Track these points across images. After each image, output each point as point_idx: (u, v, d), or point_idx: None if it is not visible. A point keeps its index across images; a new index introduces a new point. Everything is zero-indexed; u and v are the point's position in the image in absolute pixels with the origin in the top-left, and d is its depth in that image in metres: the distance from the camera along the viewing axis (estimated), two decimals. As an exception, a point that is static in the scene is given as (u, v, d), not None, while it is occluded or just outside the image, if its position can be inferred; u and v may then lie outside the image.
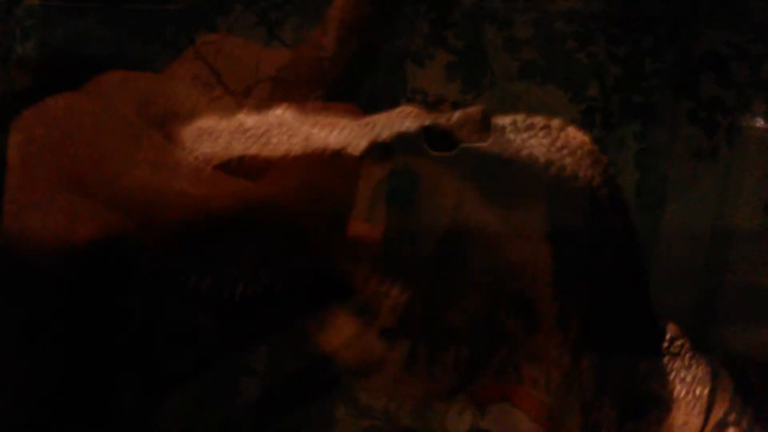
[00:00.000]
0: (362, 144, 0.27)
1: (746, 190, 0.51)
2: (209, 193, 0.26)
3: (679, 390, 0.33)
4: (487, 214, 0.28)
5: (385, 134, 0.27)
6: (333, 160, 0.26)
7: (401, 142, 0.27)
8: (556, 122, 0.30)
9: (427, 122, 0.27)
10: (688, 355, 0.34)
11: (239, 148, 0.27)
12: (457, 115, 0.28)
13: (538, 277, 0.28)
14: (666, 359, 0.34)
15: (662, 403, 0.33)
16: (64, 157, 0.26)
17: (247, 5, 0.50)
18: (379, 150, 0.27)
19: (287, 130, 0.27)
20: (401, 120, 0.27)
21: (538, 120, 0.30)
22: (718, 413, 0.32)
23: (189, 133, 0.27)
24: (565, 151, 0.30)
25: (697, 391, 0.33)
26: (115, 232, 0.25)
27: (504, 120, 0.30)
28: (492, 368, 0.29)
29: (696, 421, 0.32)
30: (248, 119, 0.28)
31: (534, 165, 0.29)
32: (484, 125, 0.29)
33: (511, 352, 0.29)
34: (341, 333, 0.28)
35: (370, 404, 0.52)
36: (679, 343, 0.34)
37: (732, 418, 0.32)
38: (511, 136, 0.29)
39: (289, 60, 0.36)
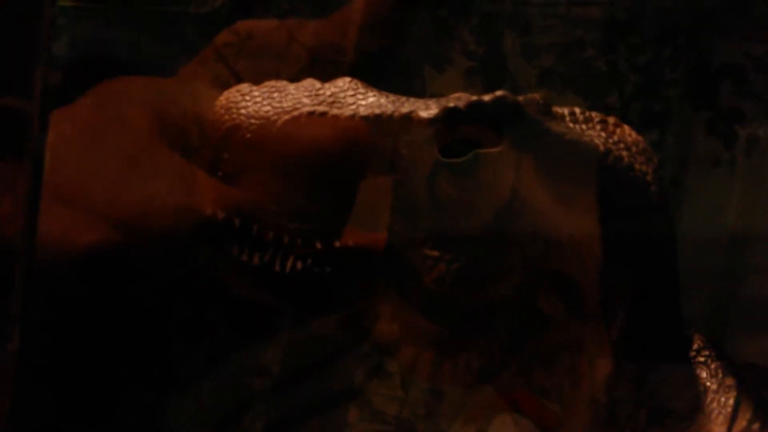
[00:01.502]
0: (433, 109, 0.28)
1: (764, 200, 0.52)
2: (203, 201, 0.27)
3: (704, 399, 0.34)
4: (542, 192, 0.28)
5: (458, 102, 0.28)
6: (402, 122, 0.27)
7: (474, 109, 0.28)
8: (612, 119, 0.31)
9: (499, 93, 0.28)
10: (714, 365, 0.35)
11: (309, 104, 0.27)
12: (521, 96, 0.29)
13: (585, 260, 0.29)
14: (693, 368, 0.35)
15: (688, 413, 0.34)
16: (61, 168, 0.27)
17: (267, 8, 0.51)
18: (452, 114, 0.27)
19: (355, 94, 0.28)
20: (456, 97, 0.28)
21: (596, 114, 0.32)
22: (741, 423, 0.33)
23: (260, 90, 0.28)
24: (621, 145, 0.31)
25: (722, 400, 0.34)
26: (110, 243, 0.26)
27: (563, 110, 0.31)
28: (528, 358, 0.30)
29: (720, 429, 0.33)
30: (318, 83, 0.29)
31: (593, 151, 0.30)
32: (546, 109, 0.30)
33: (549, 339, 0.30)
34: (382, 307, 0.28)
35: (383, 410, 0.53)
36: (706, 353, 0.35)
37: (756, 427, 0.33)
38: (571, 124, 0.30)
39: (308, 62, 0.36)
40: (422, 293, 0.29)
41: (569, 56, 0.55)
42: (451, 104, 0.28)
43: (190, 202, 0.27)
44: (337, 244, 0.28)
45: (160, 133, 0.28)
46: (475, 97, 0.28)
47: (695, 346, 0.36)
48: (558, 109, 0.32)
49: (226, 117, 0.29)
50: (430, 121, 0.28)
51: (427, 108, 0.28)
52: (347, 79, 0.30)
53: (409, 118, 0.28)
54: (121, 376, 0.29)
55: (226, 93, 0.30)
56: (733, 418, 0.33)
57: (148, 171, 0.27)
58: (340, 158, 0.28)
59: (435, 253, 0.28)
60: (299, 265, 0.28)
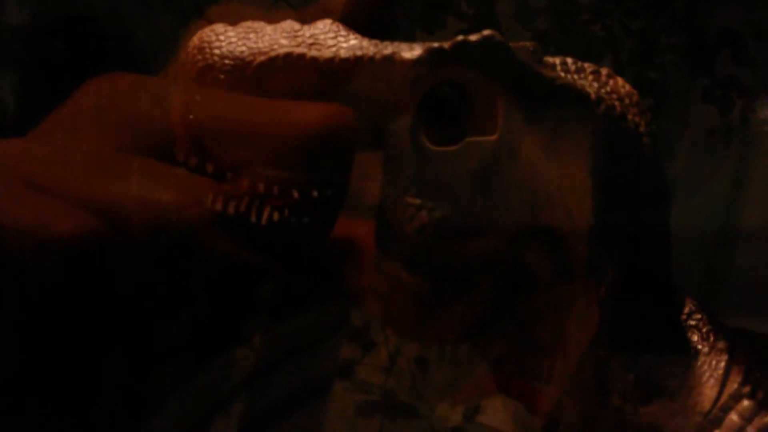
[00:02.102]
0: (416, 50, 0.27)
1: (758, 168, 0.52)
2: (183, 200, 0.26)
3: (695, 362, 0.33)
4: (531, 139, 0.27)
5: (443, 43, 0.27)
6: (383, 64, 0.26)
7: (459, 49, 0.26)
8: (605, 69, 0.30)
9: (486, 32, 0.26)
10: (705, 329, 0.34)
11: (287, 45, 0.26)
12: (511, 43, 0.28)
13: (574, 214, 0.28)
14: (683, 331, 0.34)
15: (678, 375, 0.33)
16: (39, 156, 0.25)
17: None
18: (436, 54, 0.26)
19: (335, 36, 0.27)
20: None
21: (588, 65, 0.30)
22: (732, 385, 0.32)
23: (235, 30, 0.27)
24: (614, 95, 0.30)
25: (713, 363, 0.33)
26: (90, 230, 0.25)
27: (554, 59, 0.30)
28: (512, 318, 0.29)
29: (710, 392, 0.32)
30: (297, 24, 0.27)
31: (585, 98, 0.29)
32: (537, 57, 0.28)
33: (535, 299, 0.29)
34: (360, 257, 0.27)
35: (368, 380, 0.52)
36: (697, 316, 0.34)
37: (746, 390, 0.32)
38: (562, 73, 0.29)
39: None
40: (404, 244, 0.28)
41: (564, 20, 0.54)
42: (436, 45, 0.27)
43: (167, 195, 0.26)
44: (315, 193, 0.27)
45: (138, 135, 0.27)
46: (461, 37, 0.27)
47: (686, 310, 0.35)
48: (549, 59, 0.31)
49: (199, 57, 0.28)
50: (414, 63, 0.27)
51: (411, 50, 0.27)
52: (328, 21, 0.29)
53: (391, 60, 0.27)
54: (101, 365, 0.28)
55: (199, 33, 0.29)
56: (723, 381, 0.32)
57: (123, 166, 0.26)
58: (318, 101, 0.27)
59: (417, 201, 0.27)
60: (276, 215, 0.27)
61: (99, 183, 0.25)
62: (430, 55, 0.27)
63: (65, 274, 0.25)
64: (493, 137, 0.27)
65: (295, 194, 0.27)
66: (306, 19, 0.37)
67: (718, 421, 0.31)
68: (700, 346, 0.33)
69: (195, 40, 0.28)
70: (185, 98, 0.26)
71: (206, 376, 0.37)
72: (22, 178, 0.25)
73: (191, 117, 0.26)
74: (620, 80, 0.32)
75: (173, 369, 0.33)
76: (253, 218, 0.27)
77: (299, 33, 0.27)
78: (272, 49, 0.27)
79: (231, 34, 0.28)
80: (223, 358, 0.37)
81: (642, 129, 0.30)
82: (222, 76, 0.27)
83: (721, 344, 0.33)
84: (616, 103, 0.30)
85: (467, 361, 0.40)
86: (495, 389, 0.35)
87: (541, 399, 0.33)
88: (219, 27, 0.28)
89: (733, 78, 0.53)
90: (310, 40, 0.27)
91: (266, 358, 0.43)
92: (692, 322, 0.34)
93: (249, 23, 0.28)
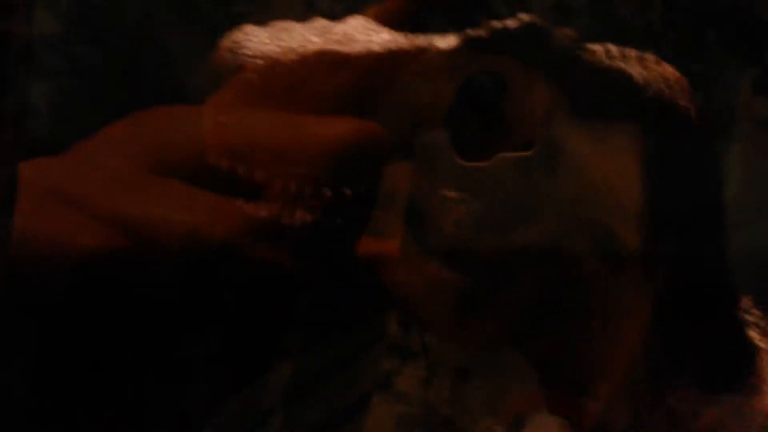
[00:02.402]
0: (451, 40, 0.26)
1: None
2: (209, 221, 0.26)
3: (754, 359, 0.32)
4: (575, 129, 0.26)
5: (479, 30, 0.26)
6: (416, 56, 0.25)
7: (498, 37, 0.25)
8: (651, 56, 0.29)
9: (526, 18, 0.26)
10: (764, 323, 0.32)
11: (318, 42, 0.26)
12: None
13: (623, 204, 0.27)
14: (742, 327, 0.33)
15: (737, 373, 0.31)
16: (65, 175, 0.26)
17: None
18: (473, 43, 0.25)
19: (367, 31, 0.27)
20: None
21: (632, 51, 0.29)
22: None
23: (266, 30, 0.27)
24: (662, 81, 0.28)
25: None
26: (113, 245, 0.25)
27: (596, 46, 0.29)
28: (560, 319, 0.28)
29: None
30: (328, 21, 0.27)
31: (631, 83, 0.28)
32: (579, 44, 0.27)
33: (583, 298, 0.28)
34: (399, 257, 0.26)
35: (406, 390, 0.51)
36: (756, 312, 0.33)
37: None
38: (607, 61, 0.28)
39: None
40: (443, 240, 0.27)
41: (603, 15, 0.53)
42: (471, 33, 0.26)
43: (194, 214, 0.26)
44: (348, 192, 0.26)
45: (168, 159, 0.27)
46: (498, 23, 0.26)
47: (744, 306, 0.34)
48: (592, 46, 0.30)
49: (230, 57, 0.28)
50: (450, 53, 0.26)
51: (446, 40, 0.26)
52: (360, 17, 0.29)
53: (426, 51, 0.26)
54: (127, 380, 0.28)
55: (230, 34, 0.29)
56: (788, 379, 0.31)
57: (152, 187, 0.26)
58: (351, 98, 0.26)
59: (454, 195, 0.26)
60: (308, 216, 0.26)
61: (127, 201, 0.25)
62: (466, 44, 0.26)
63: (86, 287, 0.25)
64: (528, 153, 0.26)
65: (328, 193, 0.26)
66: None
67: (784, 423, 0.30)
68: (760, 343, 0.32)
69: (226, 41, 0.28)
70: (222, 118, 0.26)
71: (244, 394, 0.36)
72: (54, 193, 0.25)
73: (227, 135, 0.26)
74: (667, 66, 0.31)
75: (209, 387, 0.32)
76: (286, 220, 0.26)
77: (330, 30, 0.27)
78: (303, 47, 0.27)
79: (262, 33, 0.27)
80: (260, 374, 0.37)
81: (692, 114, 0.29)
82: (254, 76, 0.27)
83: (780, 341, 0.31)
84: (665, 88, 0.29)
85: (509, 372, 0.39)
86: (540, 405, 0.33)
87: (589, 416, 0.32)
88: (249, 27, 0.28)
89: (784, 67, 0.51)
90: (341, 37, 0.27)
91: (305, 372, 0.42)
92: (751, 318, 0.33)
93: (279, 22, 0.28)
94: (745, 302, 0.34)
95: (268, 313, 0.32)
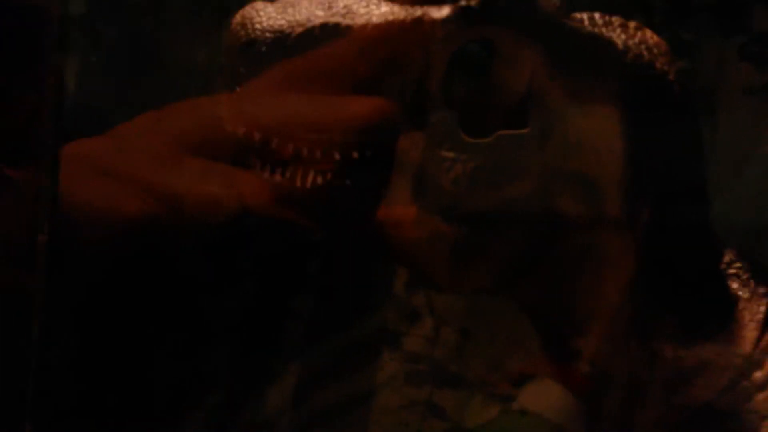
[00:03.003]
0: (444, 10, 0.28)
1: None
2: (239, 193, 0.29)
3: (735, 308, 0.34)
4: (559, 88, 0.29)
5: (470, 1, 0.28)
6: (413, 26, 0.27)
7: (487, 7, 0.28)
8: (633, 22, 0.31)
9: None
10: (746, 275, 0.35)
11: (323, 15, 0.28)
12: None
13: (605, 159, 0.29)
14: (723, 278, 0.35)
15: (718, 321, 0.34)
16: (107, 152, 0.29)
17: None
18: (464, 13, 0.28)
19: (368, 4, 0.29)
20: None
21: (616, 18, 0.31)
22: None
23: (274, 5, 0.29)
24: (642, 46, 0.31)
25: (754, 308, 0.34)
26: (151, 212, 0.28)
27: (582, 15, 0.31)
28: (549, 273, 0.30)
29: (751, 335, 0.33)
30: None
31: (611, 47, 0.30)
32: (564, 12, 0.30)
33: (569, 247, 0.30)
34: (402, 213, 0.29)
35: (414, 350, 0.53)
36: (737, 264, 0.35)
37: (789, 332, 0.32)
38: (590, 27, 0.30)
39: None
40: (441, 196, 0.29)
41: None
42: (463, 3, 0.28)
43: (225, 190, 0.29)
44: (355, 155, 0.28)
45: (195, 140, 0.30)
46: None
47: (727, 259, 0.36)
48: (577, 14, 0.32)
49: (242, 32, 0.30)
50: (443, 22, 0.28)
51: (440, 10, 0.29)
52: None
53: (421, 21, 0.28)
54: (161, 338, 0.31)
55: (241, 10, 0.31)
56: (765, 324, 0.33)
57: (182, 166, 0.30)
58: (353, 66, 0.29)
59: (451, 155, 0.29)
60: (319, 179, 0.29)
61: (162, 176, 0.29)
62: (458, 14, 0.28)
63: (130, 250, 0.28)
64: (525, 130, 0.28)
65: (336, 156, 0.28)
66: None
67: (760, 363, 0.32)
68: (740, 292, 0.34)
69: (237, 17, 0.30)
70: (259, 100, 0.29)
71: (259, 351, 0.39)
72: (98, 168, 0.29)
73: (264, 114, 0.29)
74: (648, 31, 0.33)
75: (228, 344, 0.35)
76: (298, 182, 0.29)
77: (333, 3, 0.29)
78: (309, 20, 0.29)
79: (270, 9, 0.30)
80: (274, 332, 0.39)
81: (671, 76, 0.31)
82: (264, 49, 0.29)
83: (762, 289, 0.34)
84: (644, 52, 0.31)
85: (512, 332, 0.42)
86: (540, 371, 0.36)
87: (585, 383, 0.34)
88: (259, 3, 0.30)
89: (769, 34, 0.53)
90: (344, 10, 0.29)
91: (315, 330, 0.45)
92: (732, 270, 0.35)
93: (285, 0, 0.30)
94: (728, 256, 0.37)
95: (283, 274, 0.34)
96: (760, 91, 0.56)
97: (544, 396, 0.36)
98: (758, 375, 0.33)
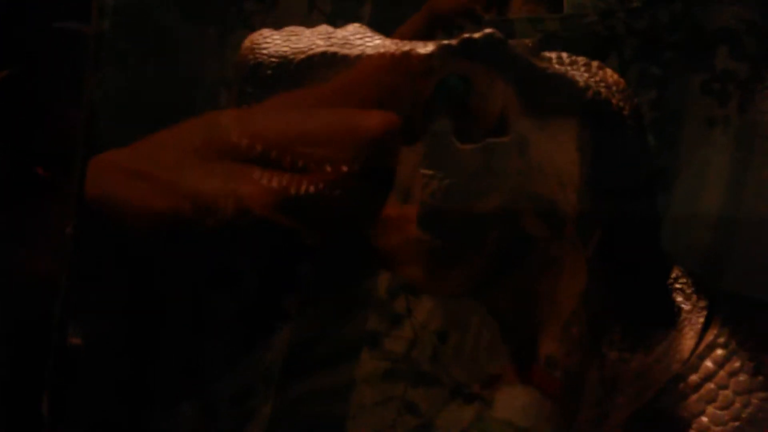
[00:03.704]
0: (429, 47, 0.32)
1: (757, 154, 0.55)
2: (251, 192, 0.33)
3: (677, 319, 0.38)
4: (525, 121, 0.33)
5: (451, 41, 0.32)
6: (402, 59, 0.31)
7: (465, 45, 0.32)
8: (596, 62, 0.35)
9: (488, 31, 0.32)
10: (690, 290, 0.39)
11: (323, 45, 0.32)
12: (514, 41, 0.33)
13: (565, 183, 0.33)
14: (668, 292, 0.39)
15: (661, 331, 0.37)
16: (139, 158, 0.34)
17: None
18: (445, 50, 0.32)
19: (363, 37, 0.33)
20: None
21: (581, 59, 0.36)
22: (708, 337, 0.37)
23: (279, 33, 0.32)
24: (602, 84, 0.35)
25: (693, 319, 0.38)
26: (180, 210, 0.33)
27: (551, 54, 0.35)
28: (514, 283, 0.34)
29: (689, 343, 0.37)
30: (330, 28, 0.33)
31: (574, 85, 0.34)
32: (535, 52, 0.34)
33: (532, 259, 0.34)
34: (390, 221, 0.32)
35: (392, 349, 0.57)
36: (683, 280, 0.39)
37: (721, 340, 0.36)
38: (557, 66, 0.34)
39: None
40: (419, 208, 0.33)
41: (571, 22, 0.59)
42: (445, 42, 0.32)
43: (237, 189, 0.33)
44: (345, 168, 0.32)
45: (212, 148, 0.34)
46: (467, 35, 0.32)
47: (674, 275, 0.40)
48: (547, 54, 0.36)
49: (250, 56, 0.34)
50: (426, 57, 0.32)
51: (425, 46, 0.33)
52: (356, 24, 0.35)
53: (408, 55, 0.32)
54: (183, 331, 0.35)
55: (250, 36, 0.35)
56: (702, 333, 0.37)
57: (201, 167, 0.34)
58: (345, 92, 0.32)
59: (429, 172, 0.33)
60: (312, 188, 0.32)
61: (185, 177, 0.33)
62: (440, 51, 0.32)
63: (163, 243, 0.33)
64: (506, 138, 0.32)
65: (328, 168, 0.32)
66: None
67: (695, 368, 0.36)
68: (684, 305, 0.38)
69: (247, 42, 0.34)
70: (272, 116, 0.33)
71: (247, 345, 0.42)
72: (130, 172, 0.33)
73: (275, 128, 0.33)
74: (609, 71, 0.37)
75: (221, 337, 0.38)
76: (293, 190, 0.32)
77: (332, 35, 0.33)
78: (310, 49, 0.33)
79: (276, 36, 0.34)
80: (263, 328, 0.42)
81: (626, 111, 0.35)
82: (269, 72, 0.33)
83: (702, 303, 0.38)
84: (603, 89, 0.35)
85: (485, 337, 0.45)
86: (514, 378, 0.39)
87: (555, 382, 0.37)
88: (266, 31, 0.34)
89: (730, 72, 0.57)
90: (342, 41, 0.33)
91: (302, 328, 0.48)
92: (678, 285, 0.39)
93: (291, 27, 0.34)
94: (675, 272, 0.41)
95: (274, 274, 0.38)
96: (722, 123, 0.60)
97: (514, 400, 0.40)
98: (693, 378, 0.37)
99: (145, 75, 0.49)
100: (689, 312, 0.37)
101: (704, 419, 0.35)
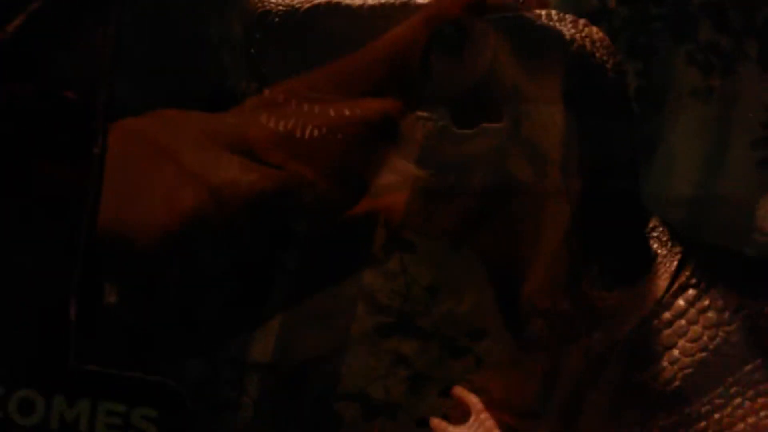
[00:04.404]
0: None
1: (736, 124, 0.58)
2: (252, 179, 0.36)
3: (653, 262, 0.41)
4: (515, 67, 0.36)
5: None
6: (402, 9, 0.34)
7: None
8: (583, 20, 0.38)
9: None
10: (665, 237, 0.41)
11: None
12: None
13: (549, 128, 0.36)
14: (646, 238, 0.42)
15: (637, 273, 0.40)
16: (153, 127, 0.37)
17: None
18: (443, 1, 0.34)
19: None
20: None
21: (569, 16, 0.39)
22: (681, 278, 0.40)
23: None
24: (587, 39, 0.38)
25: (668, 263, 0.40)
26: (209, 201, 0.36)
27: (540, 11, 0.38)
28: (500, 223, 0.37)
29: (663, 283, 0.40)
30: None
31: (561, 38, 0.37)
32: (525, 7, 0.36)
33: (518, 201, 0.37)
34: (384, 162, 0.35)
35: (387, 304, 0.60)
36: (660, 228, 0.42)
37: (693, 281, 0.39)
38: (546, 21, 0.37)
39: None
40: (415, 146, 0.36)
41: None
42: None
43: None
44: (347, 112, 0.35)
45: (223, 142, 0.38)
46: None
47: (651, 224, 0.42)
48: (536, 11, 0.39)
49: (259, 4, 0.36)
50: (425, 6, 0.34)
51: None
52: None
53: (407, 4, 0.35)
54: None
55: None
56: (675, 275, 0.40)
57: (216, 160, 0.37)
58: (349, 38, 0.35)
59: (425, 114, 0.35)
60: (316, 132, 0.35)
61: (207, 165, 0.36)
62: (438, 1, 0.35)
63: (189, 230, 0.36)
64: (501, 124, 0.35)
65: (331, 112, 0.35)
66: None
67: (668, 305, 0.39)
68: (659, 250, 0.41)
69: None
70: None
71: (249, 298, 0.45)
72: (153, 144, 0.36)
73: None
74: (594, 29, 0.39)
75: (224, 290, 0.41)
76: (298, 133, 0.35)
77: None
78: None
79: None
80: (264, 282, 0.45)
81: (608, 65, 0.38)
82: (276, 20, 0.35)
83: (677, 249, 0.41)
84: (587, 44, 0.37)
85: (472, 290, 0.48)
86: (500, 329, 0.42)
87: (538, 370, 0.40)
88: None
89: (714, 44, 0.59)
90: None
91: (300, 281, 0.51)
92: (655, 234, 0.42)
93: None
94: (653, 222, 0.43)
95: (274, 231, 0.41)
96: (704, 93, 0.63)
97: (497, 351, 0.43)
98: (666, 315, 0.40)
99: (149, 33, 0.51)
100: (664, 257, 0.40)
101: (675, 352, 0.38)
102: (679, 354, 0.39)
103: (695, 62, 0.63)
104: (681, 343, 0.39)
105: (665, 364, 0.38)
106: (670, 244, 0.41)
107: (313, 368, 0.53)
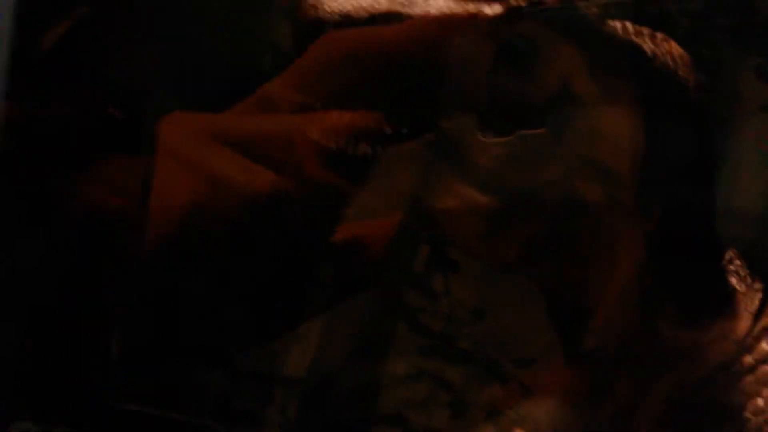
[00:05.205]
0: (496, 7, 0.32)
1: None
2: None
3: (732, 300, 0.37)
4: (590, 85, 0.32)
5: (520, 2, 0.32)
6: (466, 20, 0.31)
7: (533, 7, 0.32)
8: (661, 34, 0.35)
9: None
10: (744, 272, 0.38)
11: (385, 4, 0.32)
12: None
13: (624, 152, 0.33)
14: (723, 273, 0.38)
15: (716, 311, 0.37)
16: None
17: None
18: (513, 12, 0.31)
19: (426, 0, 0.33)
20: None
21: (646, 29, 0.35)
22: (765, 320, 0.36)
23: None
24: (668, 55, 0.35)
25: (749, 300, 0.37)
26: (277, 184, 0.34)
27: (616, 23, 0.35)
28: (566, 251, 0.34)
29: (744, 324, 0.36)
30: None
31: (642, 53, 0.34)
32: (602, 19, 0.33)
33: (587, 230, 0.34)
34: (436, 184, 0.33)
35: (428, 325, 0.57)
36: (737, 262, 0.38)
37: (779, 326, 0.36)
38: (622, 34, 0.34)
39: None
40: (478, 170, 0.33)
41: (622, 4, 0.58)
42: (513, 2, 0.32)
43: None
44: (387, 129, 0.32)
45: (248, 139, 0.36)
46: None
47: (727, 257, 0.39)
48: (611, 22, 0.36)
49: (312, 11, 0.33)
50: (494, 18, 0.32)
51: (491, 8, 0.32)
52: None
53: (474, 15, 0.32)
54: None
55: None
56: (757, 315, 0.37)
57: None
58: (407, 53, 0.32)
59: (486, 146, 0.32)
60: (369, 149, 0.32)
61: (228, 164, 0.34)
62: (507, 12, 0.32)
63: (203, 223, 0.33)
64: (541, 130, 0.32)
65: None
66: None
67: (750, 348, 0.36)
68: (738, 287, 0.37)
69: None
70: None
71: (285, 312, 0.42)
72: (221, 138, 0.34)
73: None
74: (674, 43, 0.36)
75: (260, 304, 0.39)
76: (349, 151, 0.32)
77: None
78: (373, 7, 0.33)
79: None
80: (299, 296, 0.43)
81: (691, 84, 0.34)
82: (331, 29, 0.33)
83: (757, 285, 0.37)
84: (669, 60, 0.34)
85: (521, 314, 0.45)
86: (556, 360, 0.39)
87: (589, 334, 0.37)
88: None
89: (786, 57, 0.56)
90: (406, 1, 0.32)
91: (336, 297, 0.48)
92: (732, 267, 0.38)
93: None
94: (729, 254, 0.40)
95: (310, 244, 0.38)
96: (773, 110, 0.60)
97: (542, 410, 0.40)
98: (748, 359, 0.36)
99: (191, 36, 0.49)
100: (744, 294, 0.37)
101: (759, 401, 0.35)
102: (764, 404, 0.35)
103: (765, 76, 0.60)
104: (766, 392, 0.36)
105: (748, 415, 0.34)
106: (749, 279, 0.38)
107: (347, 386, 0.51)
